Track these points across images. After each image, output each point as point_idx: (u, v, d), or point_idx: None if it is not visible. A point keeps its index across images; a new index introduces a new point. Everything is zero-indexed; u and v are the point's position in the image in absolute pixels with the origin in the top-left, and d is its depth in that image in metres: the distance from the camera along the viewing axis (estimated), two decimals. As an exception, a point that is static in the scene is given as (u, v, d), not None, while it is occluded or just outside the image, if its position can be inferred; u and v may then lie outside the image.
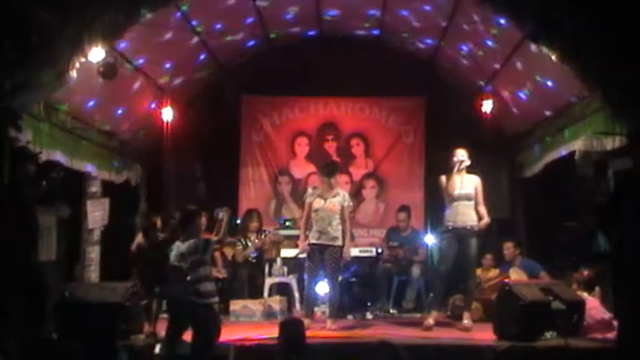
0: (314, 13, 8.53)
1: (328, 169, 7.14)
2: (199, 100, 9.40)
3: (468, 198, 6.60)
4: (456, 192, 6.56)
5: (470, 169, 6.74)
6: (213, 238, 5.78)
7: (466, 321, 6.59)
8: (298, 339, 4.75)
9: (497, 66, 7.88)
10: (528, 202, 9.05)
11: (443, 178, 6.67)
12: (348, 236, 6.86)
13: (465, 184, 6.61)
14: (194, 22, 7.49)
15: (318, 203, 6.81)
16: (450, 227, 6.62)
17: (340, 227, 6.76)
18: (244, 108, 9.80)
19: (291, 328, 4.83)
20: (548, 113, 7.73)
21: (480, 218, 6.64)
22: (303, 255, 7.00)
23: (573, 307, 5.85)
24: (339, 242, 6.75)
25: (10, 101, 4.99)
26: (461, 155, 6.63)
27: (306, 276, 6.89)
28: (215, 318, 5.53)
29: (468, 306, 6.76)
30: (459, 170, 6.59)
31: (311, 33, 9.26)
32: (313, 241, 6.76)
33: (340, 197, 6.86)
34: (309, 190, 7.11)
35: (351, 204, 7.14)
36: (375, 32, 9.02)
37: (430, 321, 6.53)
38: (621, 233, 5.28)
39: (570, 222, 7.16)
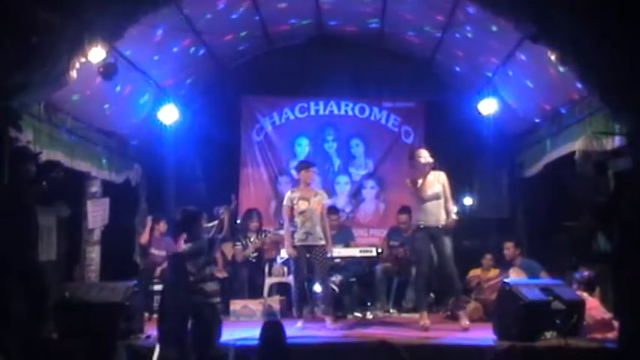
0: (314, 14, 8.53)
1: (303, 164, 7.32)
2: (199, 100, 9.41)
3: (436, 197, 6.66)
4: (428, 193, 6.59)
5: (434, 167, 6.76)
6: (217, 236, 5.80)
7: (463, 321, 6.59)
8: (277, 341, 4.77)
9: (497, 66, 7.88)
10: (528, 202, 9.04)
11: (413, 181, 6.66)
12: (329, 234, 7.04)
13: (432, 183, 6.67)
14: (194, 22, 7.48)
15: (304, 205, 6.85)
16: (421, 226, 6.64)
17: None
18: (244, 108, 9.81)
19: (270, 331, 4.84)
20: (548, 113, 7.73)
21: (447, 216, 6.67)
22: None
23: (573, 307, 5.84)
24: (323, 241, 6.86)
25: (10, 101, 4.99)
26: (427, 156, 6.68)
27: (293, 277, 6.92)
28: (217, 318, 5.53)
29: (462, 305, 6.76)
30: (427, 172, 6.62)
31: (311, 33, 9.26)
32: (300, 242, 6.81)
33: (320, 196, 7.01)
34: (288, 194, 7.08)
35: (329, 201, 7.26)
36: (375, 33, 9.01)
37: (426, 321, 6.53)
38: (621, 233, 5.27)
39: (570, 222, 7.16)
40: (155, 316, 7.58)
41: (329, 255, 7.08)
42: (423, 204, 6.64)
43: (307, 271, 6.89)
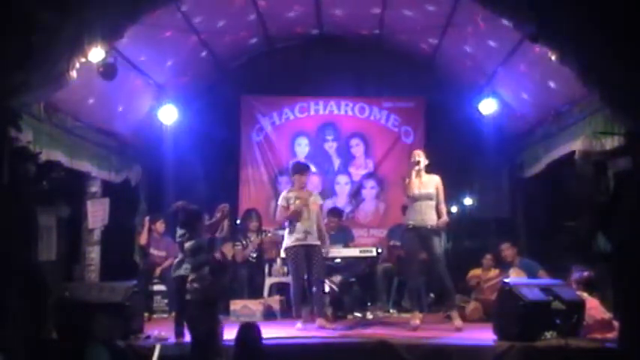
0: (314, 14, 8.54)
1: (299, 167, 7.22)
2: (199, 100, 9.41)
3: (428, 197, 6.65)
4: (416, 192, 6.61)
5: (429, 169, 6.76)
6: (217, 235, 5.79)
7: (456, 321, 6.57)
8: (254, 343, 4.77)
9: (497, 66, 7.89)
10: (528, 202, 9.05)
11: (405, 179, 6.71)
12: (325, 234, 7.06)
13: (425, 184, 6.67)
14: (194, 22, 7.49)
15: (302, 203, 6.81)
16: (410, 226, 6.66)
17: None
18: (244, 108, 9.81)
19: (247, 333, 4.83)
20: (548, 113, 7.72)
21: (439, 218, 6.67)
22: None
23: (573, 307, 5.83)
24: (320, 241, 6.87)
25: (10, 101, 4.99)
26: (417, 156, 6.70)
27: (291, 277, 6.88)
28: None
29: (453, 305, 6.74)
30: (417, 171, 6.62)
31: (311, 33, 9.26)
32: (300, 242, 6.74)
33: (314, 196, 7.00)
34: (284, 194, 7.00)
35: (322, 202, 7.39)
36: (376, 32, 9.02)
37: (416, 321, 6.53)
38: (621, 233, 5.27)
39: (570, 222, 7.16)
40: (155, 316, 7.61)
41: (325, 254, 7.00)
42: (412, 203, 6.68)
43: (306, 270, 6.85)
